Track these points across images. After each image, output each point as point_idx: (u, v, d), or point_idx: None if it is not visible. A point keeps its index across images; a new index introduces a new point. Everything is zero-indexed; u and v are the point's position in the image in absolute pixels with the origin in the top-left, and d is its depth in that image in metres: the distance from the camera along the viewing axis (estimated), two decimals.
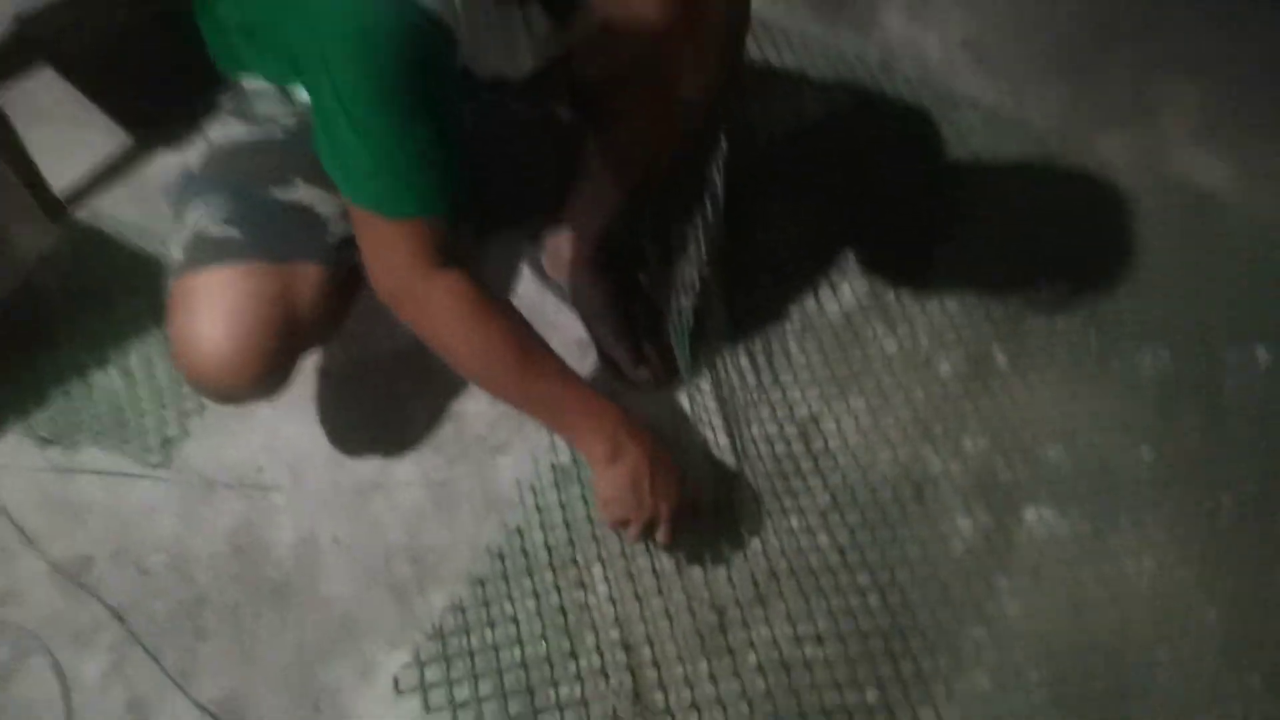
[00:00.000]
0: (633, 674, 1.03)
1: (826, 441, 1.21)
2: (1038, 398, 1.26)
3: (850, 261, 1.38)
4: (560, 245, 1.27)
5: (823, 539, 1.13)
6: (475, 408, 1.23)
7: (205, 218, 0.93)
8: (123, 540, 1.13)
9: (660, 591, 1.08)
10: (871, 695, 1.02)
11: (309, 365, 1.25)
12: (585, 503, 1.16)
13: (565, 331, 1.28)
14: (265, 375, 0.94)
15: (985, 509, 1.15)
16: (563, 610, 1.08)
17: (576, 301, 1.27)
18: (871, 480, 1.17)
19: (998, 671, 1.03)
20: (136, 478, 1.17)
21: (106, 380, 1.23)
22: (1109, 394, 1.25)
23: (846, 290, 1.35)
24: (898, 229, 1.42)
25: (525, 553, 1.12)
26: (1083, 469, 1.19)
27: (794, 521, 1.14)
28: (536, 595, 1.09)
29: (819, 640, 1.05)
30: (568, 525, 1.14)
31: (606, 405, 0.99)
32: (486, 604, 1.08)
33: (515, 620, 1.07)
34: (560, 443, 1.20)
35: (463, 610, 1.08)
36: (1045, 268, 1.38)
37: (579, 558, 1.12)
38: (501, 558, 1.12)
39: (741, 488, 1.16)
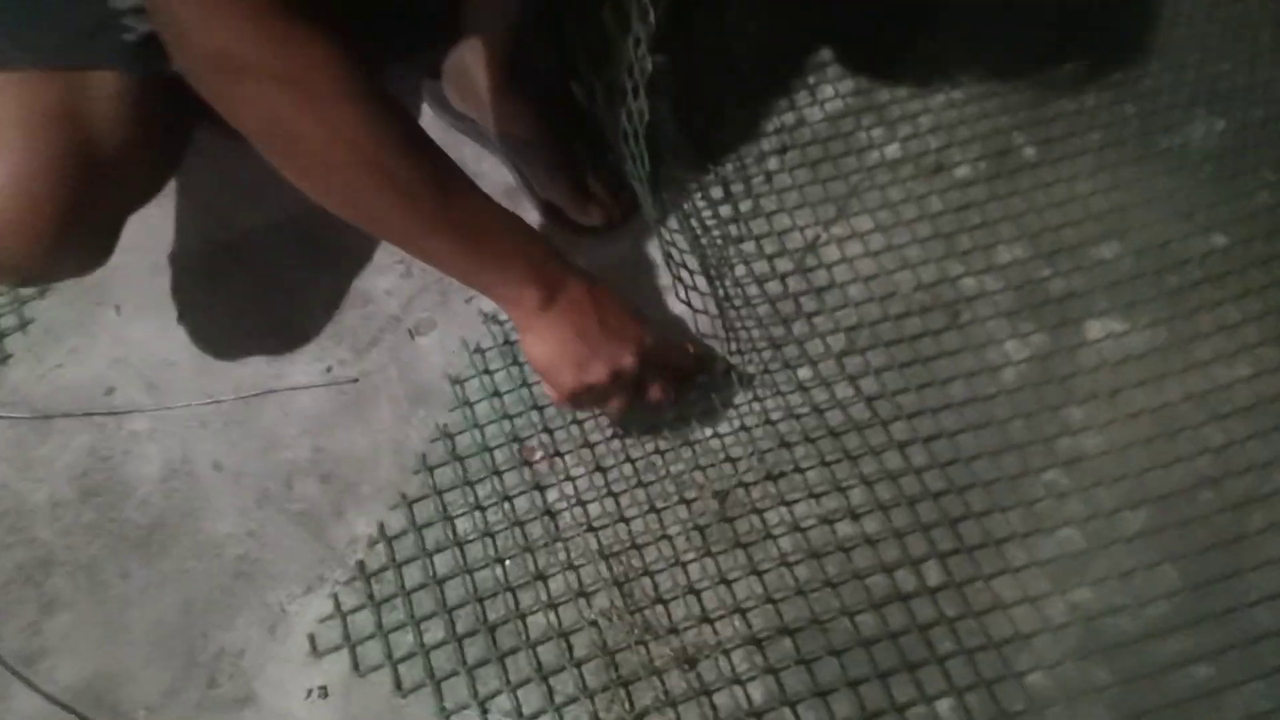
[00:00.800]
0: (620, 589, 0.79)
1: (831, 272, 0.96)
2: (1077, 191, 1.01)
3: (828, 57, 1.11)
4: (465, 68, 0.98)
5: (842, 390, 0.88)
6: (386, 283, 0.96)
7: None
8: None
9: (641, 482, 0.83)
10: (933, 575, 0.78)
11: (158, 250, 0.95)
12: (530, 387, 0.89)
13: (488, 180, 1.00)
14: (63, 229, 0.66)
15: (1038, 328, 0.91)
16: (519, 523, 0.82)
17: (498, 137, 0.99)
18: (891, 311, 0.92)
19: (1085, 523, 0.81)
20: None
21: None
22: (1161, 176, 1.02)
23: (829, 91, 1.09)
24: (881, 11, 1.14)
25: (463, 458, 0.85)
26: (1145, 267, 0.95)
27: (803, 374, 0.88)
28: (482, 509, 0.82)
29: (854, 516, 0.81)
30: (510, 418, 0.87)
31: (532, 234, 0.73)
32: (420, 528, 0.82)
33: (460, 544, 0.81)
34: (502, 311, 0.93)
35: (389, 540, 0.82)
36: (1063, 40, 1.12)
37: (534, 454, 0.85)
38: (432, 468, 0.85)
39: (732, 341, 0.90)
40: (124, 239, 0.92)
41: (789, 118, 1.07)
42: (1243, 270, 0.95)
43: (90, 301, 0.96)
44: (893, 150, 1.05)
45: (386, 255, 0.98)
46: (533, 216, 1.00)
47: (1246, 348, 0.90)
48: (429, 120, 1.06)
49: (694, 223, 0.99)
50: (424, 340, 0.94)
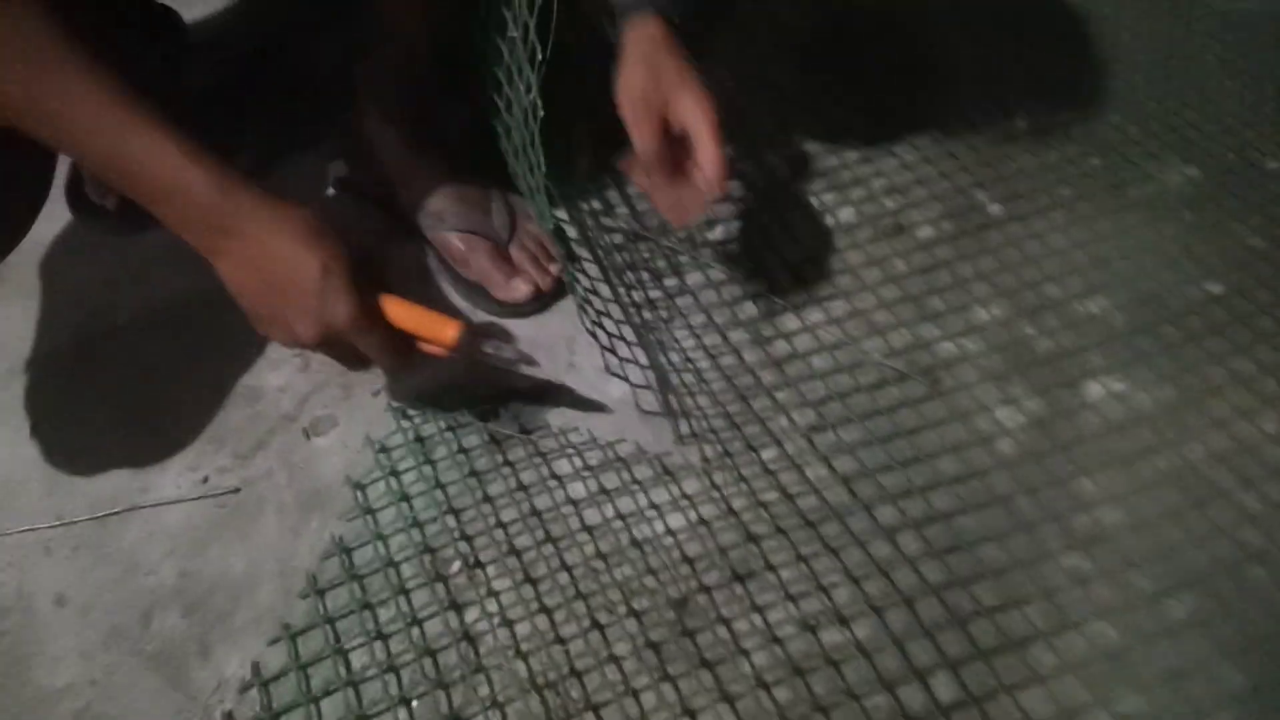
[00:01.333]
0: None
1: (792, 342, 0.83)
2: (1053, 245, 0.92)
3: (770, 125, 1.02)
4: (369, 145, 0.88)
5: (815, 471, 0.74)
6: (278, 379, 0.82)
7: None
8: None
9: (579, 593, 0.68)
10: (946, 689, 0.63)
11: (15, 353, 0.82)
12: (445, 488, 0.75)
13: (404, 264, 0.89)
14: None
15: (1030, 392, 0.80)
16: (431, 652, 0.66)
17: (411, 213, 0.89)
18: (863, 381, 0.80)
19: (1120, 614, 0.67)
20: None
21: None
22: (1140, 227, 0.93)
23: (773, 159, 0.99)
24: (824, 77, 1.08)
25: (362, 576, 0.70)
26: (1140, 321, 0.85)
27: (767, 455, 0.75)
28: (384, 636, 0.66)
29: (841, 621, 0.66)
30: (420, 525, 0.73)
31: (187, 165, 0.58)
32: (305, 665, 0.66)
33: (354, 683, 0.66)
34: (409, 398, 0.79)
35: (264, 683, 0.65)
36: (1018, 97, 1.05)
37: (449, 566, 0.70)
38: (322, 590, 0.69)
39: (681, 421, 0.77)
40: None
41: (731, 186, 0.97)
42: (1248, 318, 0.85)
43: None
44: (847, 214, 0.95)
45: (281, 348, 0.84)
46: (456, 302, 0.88)
47: (1268, 401, 0.79)
48: (333, 204, 0.94)
49: (631, 294, 0.87)
50: (321, 441, 0.79)
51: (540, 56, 0.66)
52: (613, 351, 0.80)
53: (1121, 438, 0.77)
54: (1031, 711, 0.62)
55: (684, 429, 0.77)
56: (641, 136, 0.70)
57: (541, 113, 0.70)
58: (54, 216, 0.93)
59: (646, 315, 0.86)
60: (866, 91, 1.07)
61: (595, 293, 0.85)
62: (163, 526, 0.75)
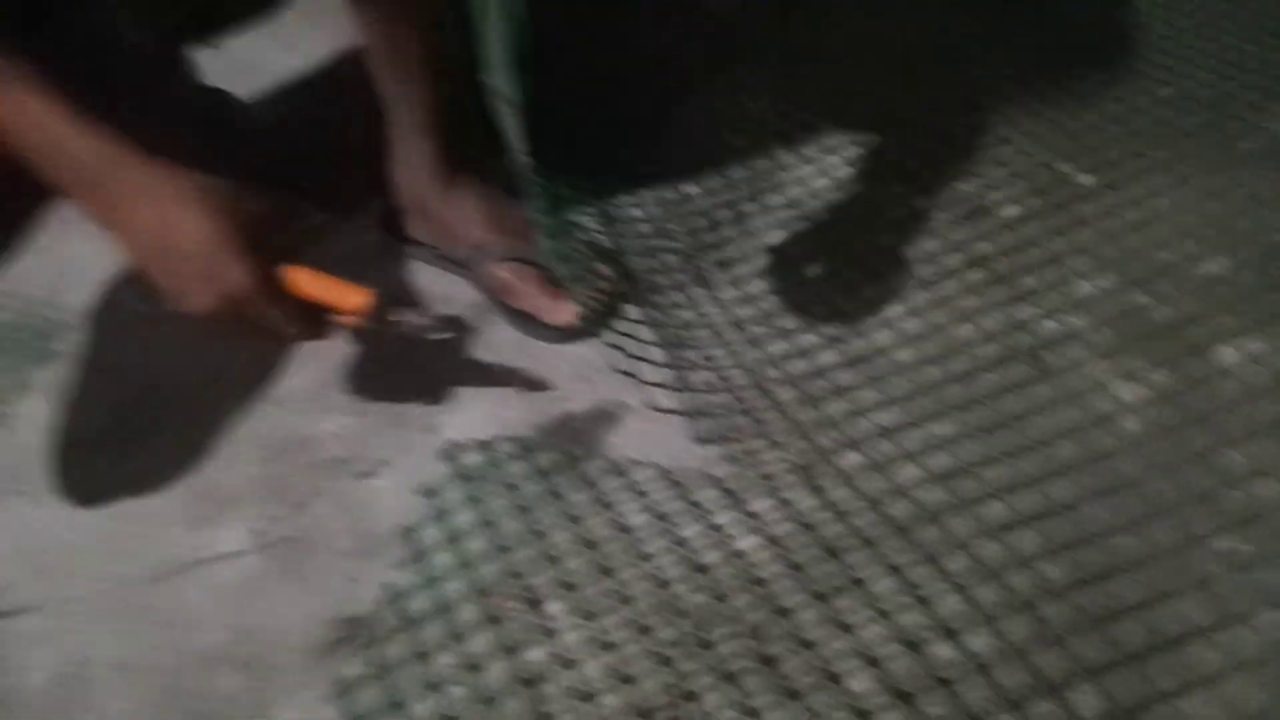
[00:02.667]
0: None
1: (868, 336, 0.76)
2: (1155, 210, 0.82)
3: (830, 126, 0.96)
4: (406, 189, 0.86)
5: (908, 473, 0.66)
6: (332, 425, 0.78)
7: None
8: None
9: (644, 627, 0.60)
10: (1087, 702, 0.52)
11: (77, 426, 0.81)
12: (494, 525, 0.69)
13: (455, 300, 0.86)
14: None
15: (1152, 364, 0.70)
16: (488, 699, 0.60)
17: (454, 251, 0.86)
18: (954, 370, 0.71)
19: None
20: None
21: None
22: (1256, 179, 0.83)
23: (833, 160, 0.93)
24: (879, 70, 1.01)
25: (416, 620, 0.64)
26: (1271, 276, 0.74)
27: (849, 460, 0.67)
28: (438, 686, 0.60)
29: (948, 633, 0.56)
30: (471, 566, 0.67)
31: (73, 135, 0.57)
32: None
33: None
34: (466, 439, 0.75)
35: None
36: (1098, 67, 0.96)
37: (505, 605, 0.64)
38: (375, 640, 0.64)
39: (745, 438, 0.70)
40: (45, 417, 0.82)
41: (795, 191, 0.92)
42: None
43: (0, 491, 0.81)
44: (920, 202, 0.87)
45: (331, 394, 0.81)
46: (505, 334, 0.84)
47: None
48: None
49: (686, 310, 0.82)
50: (375, 483, 0.75)
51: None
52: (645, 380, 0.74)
53: (1270, 402, 0.66)
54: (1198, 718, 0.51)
55: (751, 444, 0.70)
56: None
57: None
58: (109, 290, 0.94)
59: (709, 326, 0.79)
60: (933, 79, 1.00)
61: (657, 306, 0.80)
62: (218, 583, 0.72)
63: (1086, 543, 0.60)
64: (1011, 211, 0.86)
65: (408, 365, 0.81)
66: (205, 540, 0.74)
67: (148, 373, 0.87)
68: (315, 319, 0.65)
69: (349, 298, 0.64)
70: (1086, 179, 0.87)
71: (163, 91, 0.88)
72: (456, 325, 0.81)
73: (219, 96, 1.03)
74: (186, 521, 0.76)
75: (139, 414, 0.84)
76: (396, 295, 0.67)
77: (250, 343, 0.65)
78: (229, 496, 0.77)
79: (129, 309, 0.92)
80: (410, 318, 0.66)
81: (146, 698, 0.66)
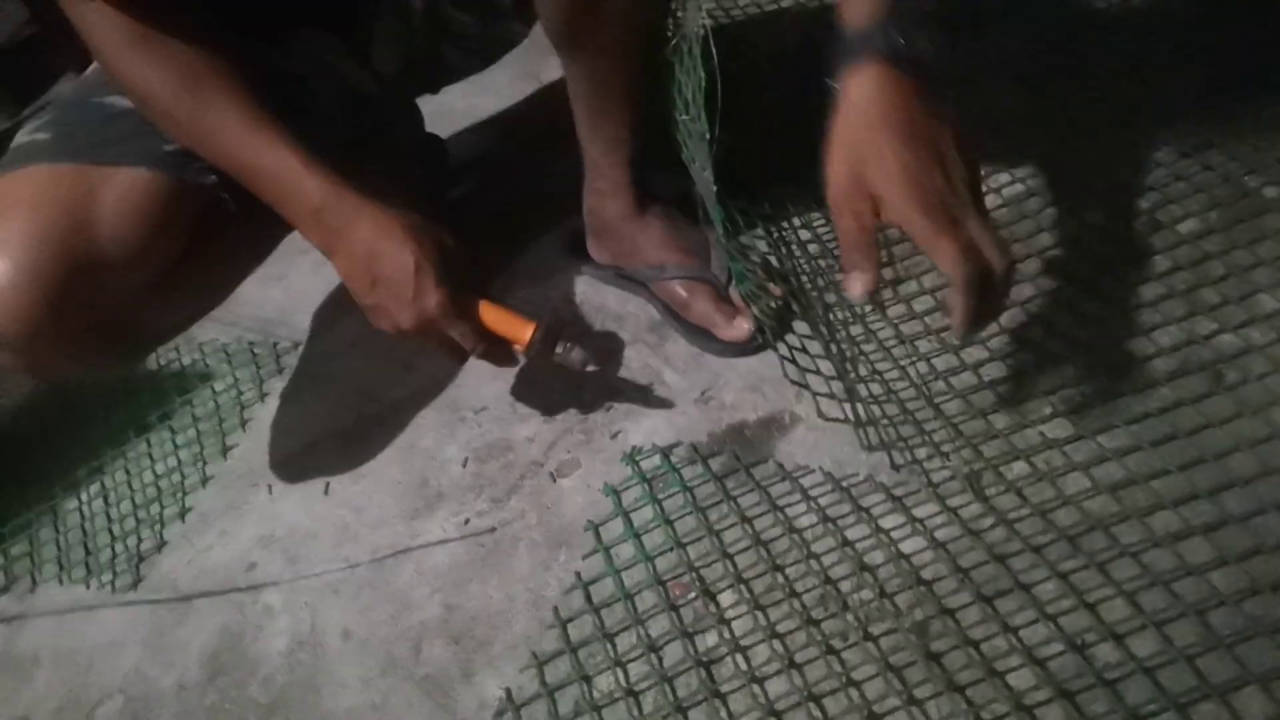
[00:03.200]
0: None
1: (1039, 349, 0.77)
2: None
3: (1013, 139, 0.98)
4: (595, 215, 0.94)
5: (1076, 483, 0.67)
6: (527, 430, 0.88)
7: (25, 133, 0.67)
8: (71, 689, 0.80)
9: (812, 619, 0.65)
10: (1258, 707, 0.53)
11: (311, 431, 0.94)
12: (673, 522, 0.75)
13: (634, 319, 0.94)
14: (44, 304, 0.67)
15: None
16: (668, 678, 0.66)
17: (636, 272, 0.94)
18: (1132, 382, 0.72)
19: None
20: (97, 609, 0.85)
21: (75, 505, 1.00)
22: None
23: (1005, 177, 0.95)
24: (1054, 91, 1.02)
25: (601, 607, 0.72)
26: None
27: (1016, 470, 0.69)
28: (623, 664, 0.67)
29: (1115, 637, 0.58)
30: (652, 559, 0.74)
31: (305, 175, 0.70)
32: (553, 690, 0.68)
33: (597, 708, 0.67)
34: (647, 444, 0.84)
35: (518, 708, 0.68)
36: (1239, 71, 0.93)
37: (685, 593, 0.70)
38: (566, 621, 0.71)
39: (906, 451, 0.73)
40: (283, 424, 0.94)
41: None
42: None
43: (245, 485, 0.95)
44: (1094, 216, 0.88)
45: (526, 405, 0.91)
46: (681, 347, 0.91)
47: None
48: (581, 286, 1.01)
49: (855, 325, 0.86)
50: (566, 482, 0.83)
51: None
52: (829, 394, 0.78)
53: None
54: None
55: (915, 455, 0.73)
56: (841, 232, 0.60)
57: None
58: (332, 314, 1.07)
59: (867, 347, 0.83)
60: (1102, 96, 0.99)
61: (831, 319, 0.84)
62: (431, 566, 0.81)
63: (1261, 554, 0.60)
64: (1192, 226, 0.85)
65: (592, 380, 0.89)
66: (420, 529, 0.85)
67: (368, 387, 1.00)
68: (495, 342, 0.76)
69: (516, 329, 0.76)
70: (1273, 191, 0.85)
71: (390, 135, 1.01)
72: (612, 357, 0.89)
73: (437, 141, 1.16)
74: (404, 514, 0.86)
75: (363, 422, 0.96)
76: (559, 328, 0.77)
77: (437, 358, 0.78)
78: (438, 493, 0.87)
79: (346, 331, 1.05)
80: (566, 350, 0.77)
81: (372, 664, 0.76)
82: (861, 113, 0.58)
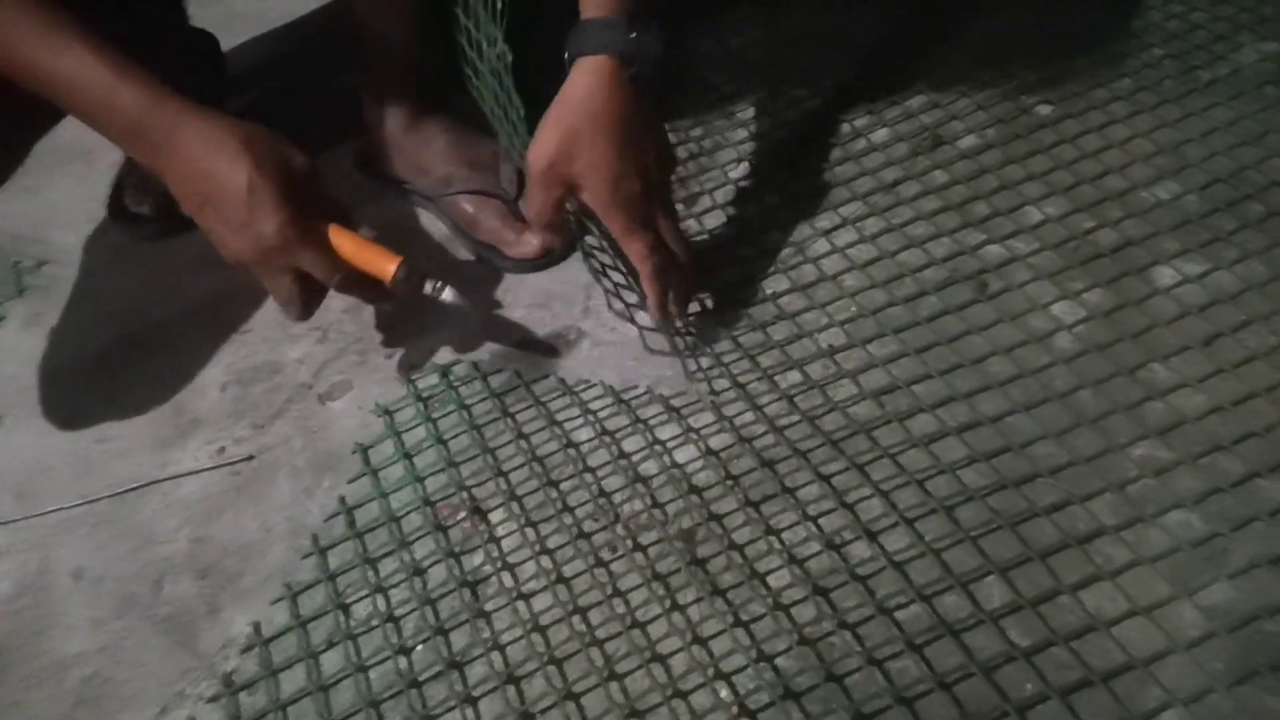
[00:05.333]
0: (560, 666, 0.57)
1: (819, 266, 0.77)
2: (1112, 137, 0.83)
3: (804, 61, 0.97)
4: (378, 129, 0.89)
5: (844, 390, 0.67)
6: (297, 351, 0.81)
7: None
8: None
9: (582, 532, 0.62)
10: (994, 594, 0.54)
11: (57, 356, 0.85)
12: (446, 442, 0.71)
13: (426, 235, 0.88)
14: None
15: (1092, 284, 0.71)
16: (431, 601, 0.62)
17: (421, 186, 0.89)
18: (899, 294, 0.73)
19: (1205, 502, 0.57)
20: None
21: None
22: (1215, 108, 0.83)
23: (802, 92, 0.94)
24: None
25: (364, 532, 0.67)
26: (1218, 200, 0.75)
27: (790, 379, 0.69)
28: (384, 590, 0.63)
29: (869, 535, 0.58)
30: (422, 480, 0.69)
31: (116, 83, 0.59)
32: (306, 622, 0.62)
33: (353, 636, 0.61)
34: (425, 364, 0.78)
35: (265, 642, 0.62)
36: (1066, 4, 0.96)
37: (454, 514, 0.66)
38: (325, 549, 0.66)
39: (690, 356, 0.71)
40: (20, 350, 0.85)
41: (762, 123, 0.92)
42: None
43: None
44: (881, 135, 0.88)
45: (302, 324, 0.83)
46: (470, 264, 0.86)
47: None
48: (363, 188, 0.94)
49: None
50: (336, 405, 0.77)
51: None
52: (617, 295, 0.75)
53: (1202, 320, 0.67)
54: (1099, 610, 0.53)
55: (694, 366, 0.71)
56: (533, 207, 0.66)
57: (510, 57, 0.68)
58: (98, 231, 0.97)
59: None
60: (905, 18, 1.00)
61: (600, 237, 0.81)
62: (180, 498, 0.74)
63: (1010, 451, 0.61)
64: (971, 142, 0.86)
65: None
66: (170, 458, 0.77)
67: (126, 306, 0.90)
68: (355, 276, 0.66)
69: (380, 263, 0.66)
70: (1047, 109, 0.87)
71: (164, 36, 0.90)
72: (482, 299, 0.81)
73: (209, 41, 1.05)
74: (154, 443, 0.78)
75: (117, 345, 0.87)
76: (422, 264, 0.70)
77: (284, 294, 0.67)
78: (194, 419, 0.79)
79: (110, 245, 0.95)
80: (435, 289, 0.68)
81: (106, 604, 0.68)
82: (582, 103, 0.62)
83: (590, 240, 0.79)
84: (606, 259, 0.79)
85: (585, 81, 0.63)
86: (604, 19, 0.63)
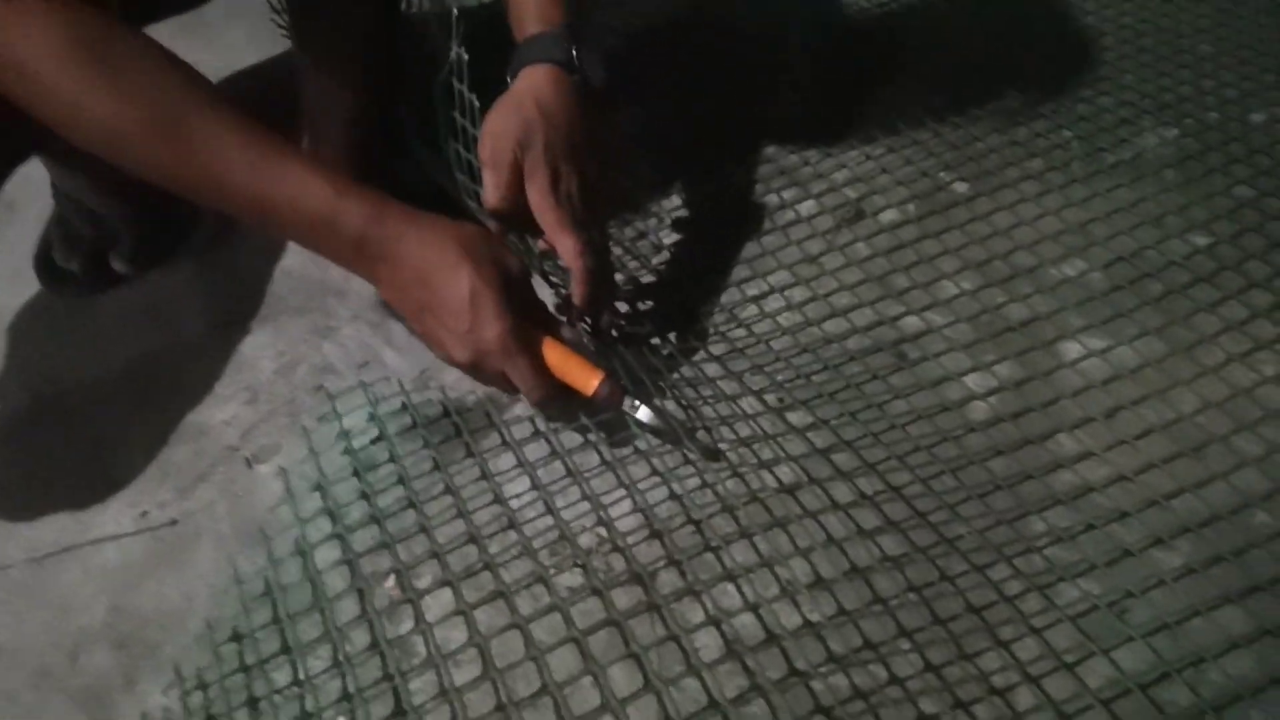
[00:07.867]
0: None
1: (751, 330, 0.79)
2: (1023, 215, 0.87)
3: (728, 132, 1.01)
4: None
5: (767, 453, 0.69)
6: (225, 413, 0.80)
7: None
8: None
9: (501, 592, 0.63)
10: (905, 661, 0.55)
11: None
12: (371, 497, 0.71)
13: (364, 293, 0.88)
14: None
15: (1002, 357, 0.74)
16: (344, 668, 0.61)
17: None
18: (825, 357, 0.75)
19: (1109, 568, 0.59)
20: None
21: None
22: (1119, 189, 0.89)
23: (729, 164, 0.97)
24: (779, 81, 1.06)
25: (285, 591, 0.66)
26: (1120, 279, 0.79)
27: (719, 437, 0.70)
28: (290, 661, 0.62)
29: (791, 601, 0.59)
30: (342, 537, 0.69)
31: (338, 202, 0.58)
32: (227, 689, 0.61)
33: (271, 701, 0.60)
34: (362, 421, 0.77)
35: (190, 712, 0.61)
36: (983, 83, 1.02)
37: (384, 583, 0.66)
38: (247, 610, 0.66)
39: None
40: None
41: (686, 195, 0.95)
42: (1238, 265, 0.79)
43: None
44: (808, 206, 0.92)
45: (229, 385, 0.83)
46: (401, 326, 0.86)
47: (1264, 344, 0.72)
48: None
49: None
50: (263, 468, 0.77)
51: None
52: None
53: (1104, 394, 0.71)
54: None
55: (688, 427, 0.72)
56: (489, 194, 0.66)
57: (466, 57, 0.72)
58: (19, 286, 0.95)
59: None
60: (831, 91, 1.05)
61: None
62: (99, 565, 0.73)
63: (925, 518, 0.64)
64: (891, 216, 0.90)
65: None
66: (90, 522, 0.76)
67: (49, 366, 0.88)
68: (555, 386, 0.65)
69: (584, 378, 0.65)
70: (962, 187, 0.92)
71: None
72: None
73: None
74: (74, 505, 0.77)
75: (38, 405, 0.85)
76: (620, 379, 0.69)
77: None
78: (116, 482, 0.78)
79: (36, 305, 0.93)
80: (633, 408, 0.67)
81: (19, 677, 0.66)
82: (535, 100, 0.65)
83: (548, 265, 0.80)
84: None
85: (536, 83, 0.65)
86: (546, 33, 0.65)
